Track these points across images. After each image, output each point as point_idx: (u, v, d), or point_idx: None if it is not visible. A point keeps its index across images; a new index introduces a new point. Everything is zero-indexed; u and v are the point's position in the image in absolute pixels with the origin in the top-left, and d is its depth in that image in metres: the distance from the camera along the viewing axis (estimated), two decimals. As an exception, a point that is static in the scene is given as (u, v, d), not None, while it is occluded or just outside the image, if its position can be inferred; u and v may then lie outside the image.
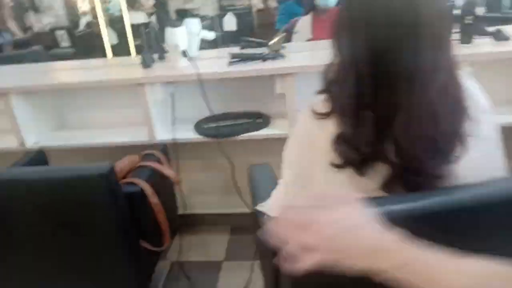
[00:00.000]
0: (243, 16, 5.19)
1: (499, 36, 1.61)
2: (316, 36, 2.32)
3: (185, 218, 2.03)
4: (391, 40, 0.69)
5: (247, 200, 1.84)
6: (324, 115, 0.78)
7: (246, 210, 1.89)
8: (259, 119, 1.78)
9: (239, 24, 4.75)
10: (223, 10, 5.22)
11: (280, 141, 1.67)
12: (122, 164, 1.44)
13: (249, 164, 1.93)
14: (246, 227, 2.02)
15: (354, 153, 0.73)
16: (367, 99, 0.72)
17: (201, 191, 2.11)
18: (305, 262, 0.54)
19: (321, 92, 0.83)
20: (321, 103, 0.80)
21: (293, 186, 0.87)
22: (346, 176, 0.76)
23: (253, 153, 1.94)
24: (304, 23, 2.34)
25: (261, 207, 1.00)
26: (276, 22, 3.03)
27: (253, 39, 1.84)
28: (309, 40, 2.33)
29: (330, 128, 0.77)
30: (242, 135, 1.70)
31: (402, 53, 0.68)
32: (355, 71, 0.72)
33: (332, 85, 0.80)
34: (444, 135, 0.71)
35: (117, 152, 1.59)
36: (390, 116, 0.70)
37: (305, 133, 0.84)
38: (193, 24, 1.76)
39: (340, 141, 0.75)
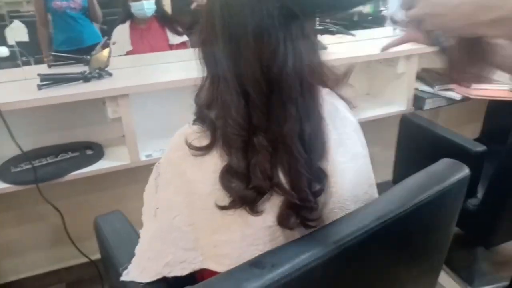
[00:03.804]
0: (33, 24, 4.39)
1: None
2: (136, 48, 2.11)
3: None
4: (283, 39, 0.58)
5: (85, 248, 1.52)
6: (204, 150, 0.63)
7: (84, 259, 1.57)
8: (89, 150, 1.47)
9: (31, 34, 3.99)
10: (4, 19, 4.29)
11: (122, 173, 1.44)
12: None
13: (83, 204, 1.61)
14: (87, 279, 1.70)
15: (249, 190, 0.61)
16: (258, 123, 0.61)
17: (19, 251, 1.64)
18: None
19: (195, 121, 0.67)
20: (195, 134, 0.65)
21: (167, 238, 0.69)
22: (238, 216, 0.63)
23: (88, 191, 1.62)
24: (121, 33, 2.09)
25: (126, 276, 0.76)
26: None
27: (69, 55, 1.50)
28: (129, 52, 2.10)
29: (209, 165, 0.63)
30: (69, 174, 1.36)
31: (290, 57, 0.59)
32: (241, 90, 0.60)
33: (209, 111, 0.65)
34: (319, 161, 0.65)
35: None
36: (281, 140, 0.61)
37: (179, 175, 0.67)
38: (-24, 38, 1.32)
39: (229, 176, 0.61)
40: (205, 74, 0.67)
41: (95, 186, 1.60)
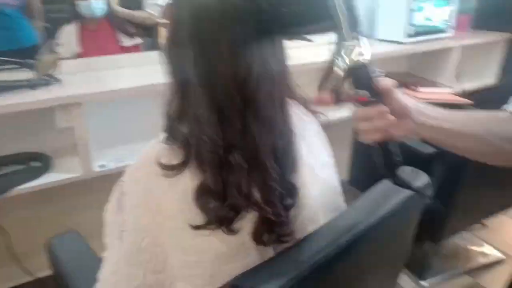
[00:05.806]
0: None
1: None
2: (86, 50, 1.99)
3: None
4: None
5: (30, 266, 1.42)
6: (176, 169, 0.60)
7: (28, 278, 1.47)
8: (36, 162, 1.37)
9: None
10: None
11: (74, 186, 1.36)
12: None
13: (32, 221, 1.49)
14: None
15: (225, 209, 0.59)
16: (233, 140, 0.58)
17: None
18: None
19: (166, 137, 0.63)
20: (165, 151, 0.61)
21: (135, 261, 0.65)
22: (212, 236, 0.61)
23: (38, 207, 1.51)
24: (68, 34, 1.96)
25: None
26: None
27: (11, 59, 1.38)
28: (78, 54, 1.98)
29: (179, 184, 0.60)
30: (13, 189, 1.25)
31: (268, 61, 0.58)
32: (214, 105, 0.57)
33: (180, 124, 0.62)
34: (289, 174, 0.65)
35: None
36: (255, 156, 0.60)
37: (146, 195, 0.63)
38: None
39: (205, 196, 0.59)
40: (172, 83, 0.62)
41: (45, 201, 1.50)
